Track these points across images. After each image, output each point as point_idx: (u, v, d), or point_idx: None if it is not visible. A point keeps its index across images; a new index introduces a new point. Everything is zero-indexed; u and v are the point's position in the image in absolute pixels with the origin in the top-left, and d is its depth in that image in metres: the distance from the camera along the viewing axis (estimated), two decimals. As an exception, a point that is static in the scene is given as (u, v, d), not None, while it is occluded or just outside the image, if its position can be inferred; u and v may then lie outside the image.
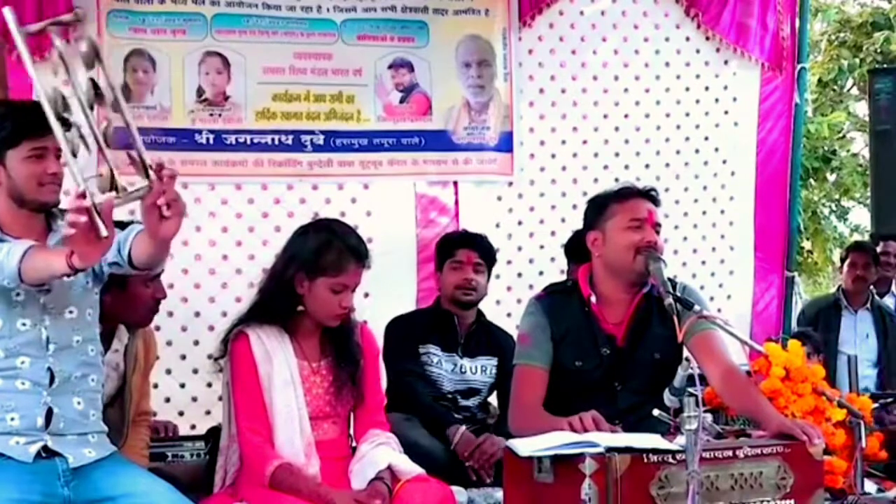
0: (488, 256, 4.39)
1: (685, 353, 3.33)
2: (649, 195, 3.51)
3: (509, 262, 5.36)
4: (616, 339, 3.44)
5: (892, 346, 6.26)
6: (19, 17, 4.59)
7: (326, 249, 3.14)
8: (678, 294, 3.29)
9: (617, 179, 5.10)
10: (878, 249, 6.56)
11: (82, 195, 2.30)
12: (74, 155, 2.39)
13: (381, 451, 3.14)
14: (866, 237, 9.09)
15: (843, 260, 6.60)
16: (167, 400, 4.75)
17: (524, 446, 2.92)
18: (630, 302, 3.45)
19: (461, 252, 4.32)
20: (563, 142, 5.53)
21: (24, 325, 2.76)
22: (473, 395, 4.31)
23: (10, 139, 2.79)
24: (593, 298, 3.46)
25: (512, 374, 4.15)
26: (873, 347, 6.22)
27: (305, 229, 3.27)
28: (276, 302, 3.18)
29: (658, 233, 3.45)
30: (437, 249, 4.48)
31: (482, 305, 4.46)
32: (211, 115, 4.87)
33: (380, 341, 3.58)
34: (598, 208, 3.52)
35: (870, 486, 3.56)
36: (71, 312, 2.83)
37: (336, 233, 3.21)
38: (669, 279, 3.34)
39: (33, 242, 2.68)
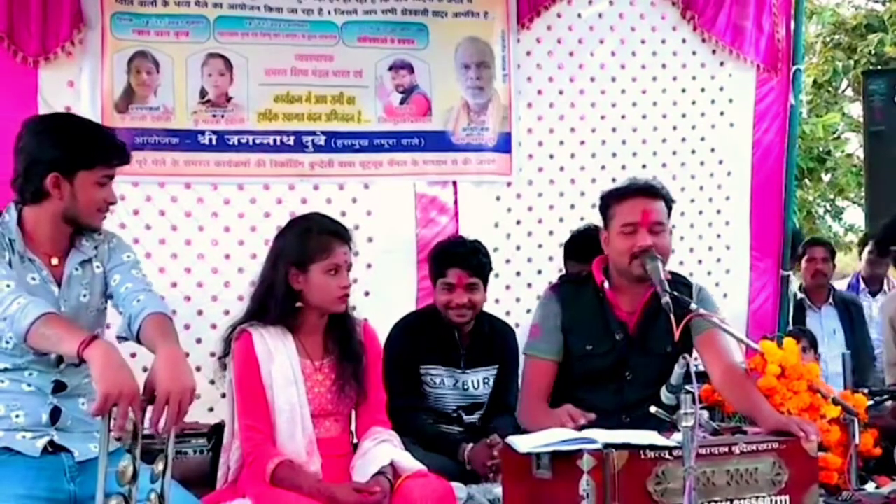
0: (481, 271, 4.19)
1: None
2: (649, 191, 3.50)
3: (508, 262, 5.36)
4: (628, 327, 3.48)
5: (859, 338, 6.19)
6: (23, 17, 4.56)
7: (308, 238, 3.22)
8: (693, 297, 3.35)
9: (614, 180, 5.10)
10: (868, 248, 6.58)
11: None
12: None
13: (384, 448, 3.18)
14: (861, 237, 9.13)
15: (800, 256, 6.48)
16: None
17: (523, 443, 2.96)
18: (643, 294, 3.48)
19: (452, 273, 4.13)
20: (561, 142, 5.53)
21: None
22: (477, 409, 4.22)
23: (87, 161, 2.81)
24: (607, 285, 3.49)
25: (510, 376, 4.22)
26: (841, 342, 6.15)
27: (282, 231, 3.35)
28: (276, 304, 3.21)
29: (658, 230, 3.44)
30: (431, 261, 4.33)
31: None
32: (213, 115, 4.87)
33: (382, 340, 3.61)
34: (603, 208, 3.56)
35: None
36: None
37: (311, 220, 3.32)
38: (682, 280, 3.38)
39: (51, 309, 2.64)
